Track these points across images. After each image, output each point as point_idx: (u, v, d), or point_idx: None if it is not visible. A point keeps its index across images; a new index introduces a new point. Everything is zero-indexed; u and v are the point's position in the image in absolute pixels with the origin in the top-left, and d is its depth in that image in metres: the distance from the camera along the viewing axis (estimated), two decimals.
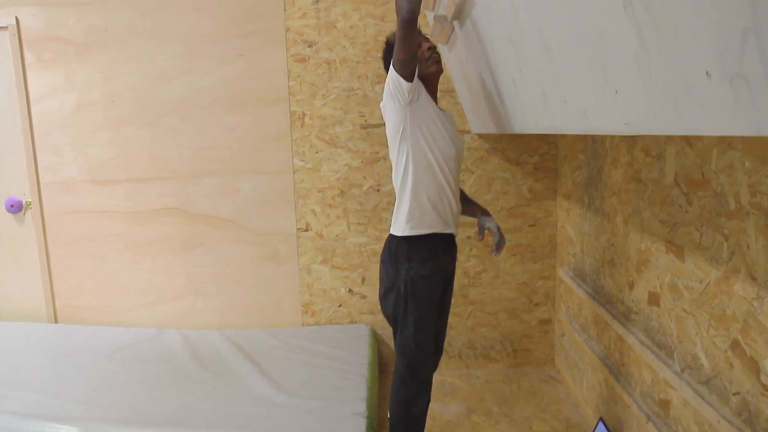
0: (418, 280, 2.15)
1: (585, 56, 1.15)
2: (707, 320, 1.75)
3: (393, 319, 2.24)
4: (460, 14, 2.23)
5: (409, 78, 2.01)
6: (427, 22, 3.14)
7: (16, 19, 3.37)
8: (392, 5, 3.22)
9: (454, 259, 2.34)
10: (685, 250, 1.88)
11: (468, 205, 2.47)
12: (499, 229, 2.36)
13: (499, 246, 2.35)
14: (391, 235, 2.23)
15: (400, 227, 2.18)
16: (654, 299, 2.14)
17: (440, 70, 2.22)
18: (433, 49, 2.21)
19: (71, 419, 2.49)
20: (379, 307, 2.35)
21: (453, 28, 2.48)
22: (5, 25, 3.38)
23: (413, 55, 1.96)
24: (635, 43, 0.91)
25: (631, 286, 2.34)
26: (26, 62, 3.41)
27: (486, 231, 2.41)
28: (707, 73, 0.72)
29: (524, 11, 1.44)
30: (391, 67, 2.04)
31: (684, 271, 1.90)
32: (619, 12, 0.94)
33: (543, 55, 1.41)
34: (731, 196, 1.60)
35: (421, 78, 2.16)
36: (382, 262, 2.27)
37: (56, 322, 3.67)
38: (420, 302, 2.17)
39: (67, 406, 2.62)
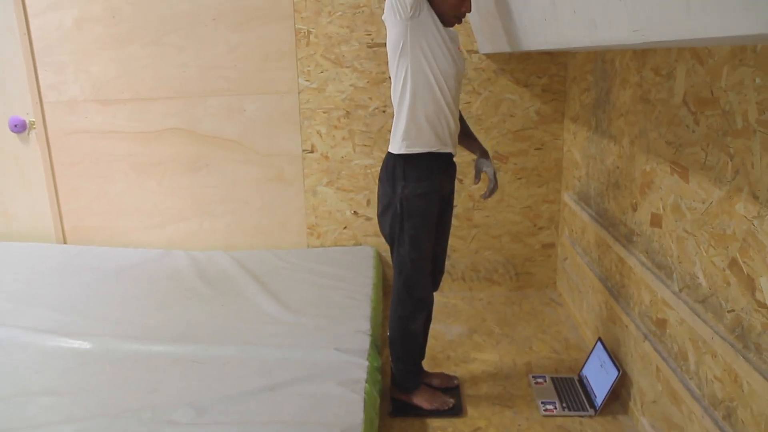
0: (413, 198, 2.16)
1: None
2: (707, 240, 1.76)
3: (390, 237, 2.28)
4: None
5: None
6: None
7: None
8: None
9: (452, 178, 2.34)
10: (690, 170, 1.87)
11: (468, 140, 2.45)
12: (495, 175, 2.37)
13: (492, 193, 2.38)
14: (388, 154, 2.23)
15: (396, 145, 2.17)
16: (656, 221, 2.14)
17: (453, 25, 2.15)
18: (466, 5, 2.10)
19: (84, 334, 2.58)
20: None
21: None
22: None
23: None
24: None
25: (635, 209, 2.35)
26: None
27: (483, 174, 2.40)
28: None
29: None
30: None
31: (687, 192, 1.89)
32: None
33: None
34: (739, 114, 1.58)
35: (435, 9, 2.08)
36: (380, 180, 2.28)
37: (65, 242, 3.73)
38: (415, 220, 2.19)
39: (79, 323, 2.70)
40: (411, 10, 1.97)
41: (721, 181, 1.69)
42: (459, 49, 2.22)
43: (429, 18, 2.05)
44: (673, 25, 0.86)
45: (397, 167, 2.18)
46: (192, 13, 3.30)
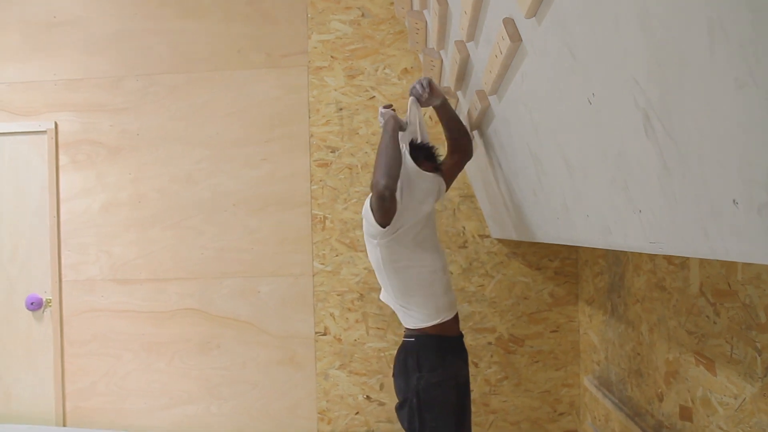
0: (430, 388, 2.10)
1: (606, 174, 1.17)
2: None
3: None
4: (479, 125, 2.30)
5: (385, 225, 2.06)
6: None
7: (55, 123, 3.55)
8: None
9: (466, 363, 2.31)
10: (716, 363, 1.82)
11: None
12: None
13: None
14: (399, 347, 2.23)
15: (416, 321, 2.21)
16: (686, 414, 2.04)
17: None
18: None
19: None
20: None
21: (473, 137, 2.54)
22: (44, 129, 3.55)
23: (391, 218, 2.03)
24: (657, 165, 0.93)
25: (661, 399, 2.25)
26: (60, 164, 3.56)
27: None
28: (734, 201, 0.73)
29: (544, 127, 1.48)
30: (369, 209, 2.09)
31: (716, 385, 1.82)
32: (640, 134, 0.96)
33: (564, 170, 1.43)
34: (761, 308, 1.57)
35: None
36: (393, 376, 2.25)
37: (65, 425, 3.58)
38: (435, 412, 2.10)
39: None
40: (387, 236, 2.08)
41: (751, 376, 1.63)
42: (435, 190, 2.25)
43: (404, 227, 2.12)
44: (693, 244, 0.89)
45: (408, 358, 2.16)
46: (214, 200, 3.46)
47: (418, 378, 2.11)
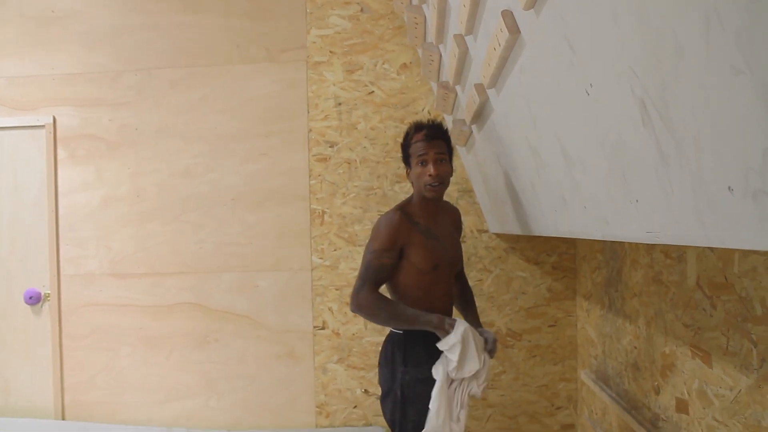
0: (414, 383, 2.11)
1: (604, 165, 1.17)
2: (741, 431, 1.67)
3: (391, 424, 2.19)
4: (478, 119, 2.31)
5: None
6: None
7: (54, 118, 3.54)
8: (413, 107, 3.34)
9: None
10: (712, 355, 1.83)
11: (466, 311, 2.49)
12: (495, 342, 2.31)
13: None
14: (387, 338, 2.24)
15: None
16: (682, 406, 2.05)
17: (436, 198, 2.22)
18: (436, 176, 2.14)
19: None
20: None
21: (471, 131, 2.55)
22: (42, 124, 3.54)
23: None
24: (654, 154, 0.94)
25: (657, 392, 2.26)
26: (59, 158, 3.55)
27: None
28: (729, 188, 0.74)
29: (542, 119, 1.49)
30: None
31: (712, 378, 1.83)
32: (637, 124, 0.97)
33: (561, 162, 1.44)
34: (757, 300, 1.58)
35: (418, 195, 2.23)
36: (379, 365, 2.26)
37: (63, 418, 3.59)
38: (418, 407, 2.10)
39: None
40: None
41: (747, 368, 1.64)
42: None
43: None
44: (688, 233, 0.90)
45: (396, 352, 2.17)
46: (212, 194, 3.46)
47: (402, 372, 2.13)
